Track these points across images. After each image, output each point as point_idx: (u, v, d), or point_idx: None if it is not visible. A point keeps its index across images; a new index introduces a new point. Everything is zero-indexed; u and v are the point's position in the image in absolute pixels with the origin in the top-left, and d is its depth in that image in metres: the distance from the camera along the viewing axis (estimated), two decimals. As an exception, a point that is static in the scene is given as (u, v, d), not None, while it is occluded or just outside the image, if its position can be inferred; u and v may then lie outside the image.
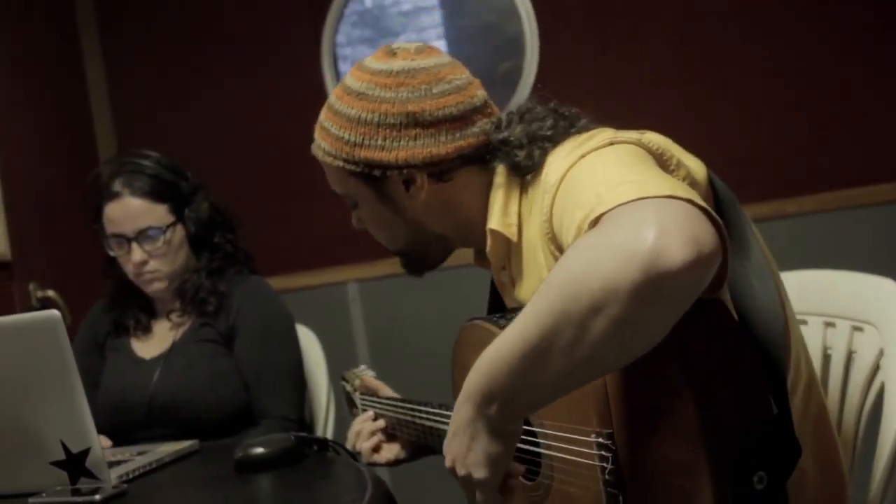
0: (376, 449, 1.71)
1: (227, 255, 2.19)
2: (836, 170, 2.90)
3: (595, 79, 3.01)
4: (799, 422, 1.11)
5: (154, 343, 2.15)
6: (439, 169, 1.39)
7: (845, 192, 2.85)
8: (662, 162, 1.21)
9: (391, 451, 1.72)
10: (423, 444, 1.67)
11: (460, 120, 1.39)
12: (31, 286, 2.75)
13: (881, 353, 1.42)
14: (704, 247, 0.93)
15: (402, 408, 1.65)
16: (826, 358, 1.55)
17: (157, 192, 2.10)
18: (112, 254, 2.12)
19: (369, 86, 1.39)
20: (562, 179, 1.21)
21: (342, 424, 2.23)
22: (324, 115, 1.46)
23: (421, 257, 1.54)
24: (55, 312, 1.47)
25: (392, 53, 1.42)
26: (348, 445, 1.74)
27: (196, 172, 2.22)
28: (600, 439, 1.12)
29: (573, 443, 1.19)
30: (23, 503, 1.47)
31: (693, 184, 1.21)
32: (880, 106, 2.88)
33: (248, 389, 2.07)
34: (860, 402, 1.46)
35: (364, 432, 1.72)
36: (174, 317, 2.15)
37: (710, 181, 1.25)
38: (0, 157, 2.68)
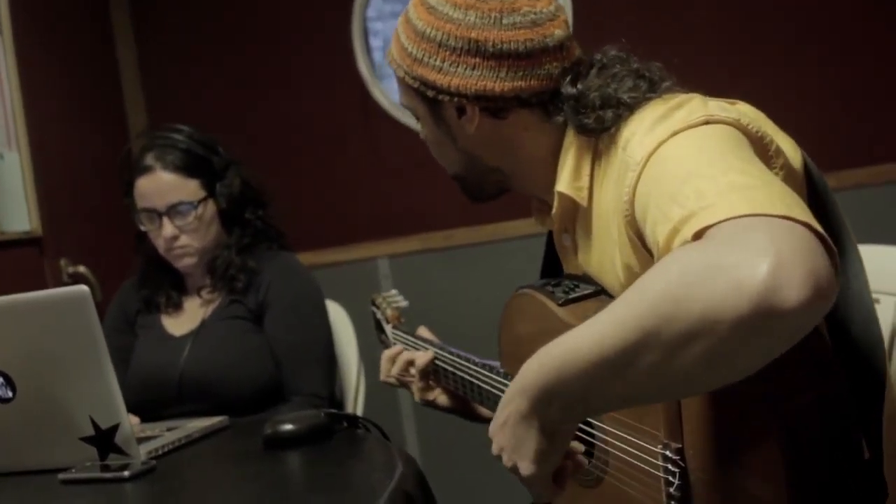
0: (427, 388, 1.67)
1: (258, 231, 2.18)
2: (877, 144, 2.85)
3: (630, 42, 2.96)
4: None
5: (184, 320, 2.15)
6: (493, 105, 1.31)
7: (885, 166, 2.81)
8: (762, 147, 1.11)
9: (431, 394, 1.67)
10: (457, 395, 1.64)
11: (526, 58, 1.28)
12: (62, 262, 2.75)
13: (927, 329, 1.38)
14: (823, 284, 0.83)
15: (441, 356, 1.61)
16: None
17: (188, 167, 2.09)
18: (143, 228, 2.12)
19: (441, 1, 1.31)
20: (648, 158, 1.10)
21: (372, 401, 2.22)
22: (400, 20, 1.38)
23: (476, 186, 1.46)
24: (84, 288, 1.46)
25: None
26: (382, 375, 1.70)
27: (226, 147, 2.20)
28: (668, 452, 1.08)
29: (635, 446, 1.15)
30: (53, 479, 1.47)
31: (790, 172, 1.13)
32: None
33: (279, 366, 2.05)
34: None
35: (400, 362, 1.66)
36: (204, 293, 2.14)
37: (805, 165, 1.17)
38: (30, 133, 2.66)
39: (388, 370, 1.69)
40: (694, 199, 0.96)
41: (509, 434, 1.07)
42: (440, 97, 1.32)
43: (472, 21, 1.28)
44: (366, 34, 3.25)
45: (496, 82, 1.28)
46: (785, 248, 0.84)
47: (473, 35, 1.28)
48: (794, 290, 0.82)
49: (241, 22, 3.37)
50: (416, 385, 1.66)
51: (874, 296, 1.48)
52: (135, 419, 1.94)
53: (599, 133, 1.24)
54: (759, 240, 0.86)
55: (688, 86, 1.26)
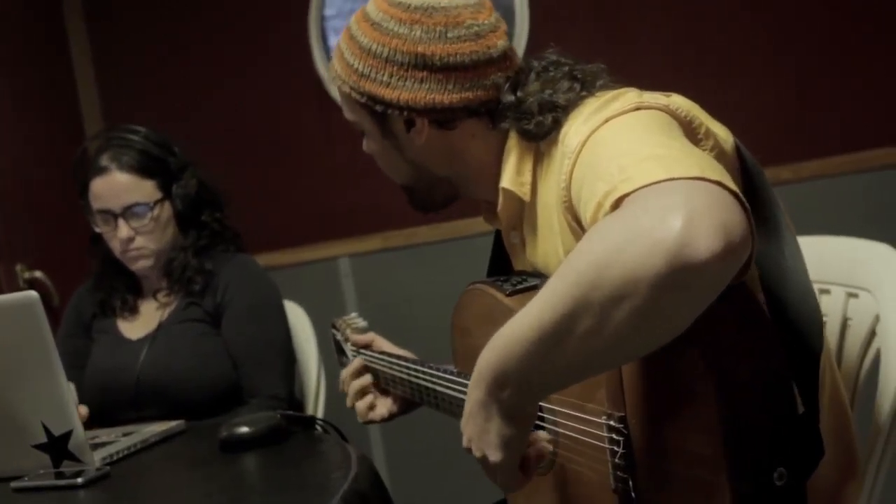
0: (371, 406, 1.71)
1: (215, 233, 2.17)
2: (831, 136, 2.88)
3: (588, 46, 2.96)
4: None
5: (141, 323, 2.13)
6: (442, 117, 1.34)
7: (840, 158, 2.85)
8: (691, 130, 1.16)
9: (384, 405, 1.71)
10: (407, 402, 1.68)
11: (472, 70, 1.32)
12: (18, 268, 2.72)
13: (876, 319, 1.39)
14: (734, 236, 0.87)
15: (397, 365, 1.63)
16: (821, 325, 1.52)
17: (144, 168, 2.07)
18: (98, 230, 2.10)
19: (385, 17, 1.34)
20: (583, 145, 1.14)
21: (333, 401, 2.21)
22: (343, 36, 1.41)
23: (424, 197, 1.49)
24: (33, 293, 1.45)
25: None
26: (348, 402, 1.74)
27: (183, 148, 2.18)
28: (611, 422, 1.09)
29: (581, 422, 1.16)
30: (5, 488, 1.46)
31: (721, 154, 1.17)
32: (872, 72, 2.87)
33: (237, 368, 2.04)
34: (856, 369, 1.44)
35: (352, 391, 1.71)
36: (161, 296, 2.12)
37: (738, 150, 1.20)
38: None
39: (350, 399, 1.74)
40: (616, 174, 1.00)
41: (473, 424, 1.09)
42: (389, 111, 1.35)
43: (418, 36, 1.32)
44: (323, 32, 3.23)
45: (444, 95, 1.32)
46: (696, 204, 0.89)
47: (420, 49, 1.31)
48: (706, 243, 0.86)
49: (197, 21, 3.34)
50: (359, 408, 1.71)
51: (825, 286, 1.50)
52: (84, 410, 1.90)
53: (542, 138, 1.28)
54: (671, 200, 0.90)
55: (641, 84, 1.27)
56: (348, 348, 1.81)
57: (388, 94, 1.33)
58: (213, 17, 3.33)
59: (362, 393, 1.72)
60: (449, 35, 1.31)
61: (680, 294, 0.89)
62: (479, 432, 1.09)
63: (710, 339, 0.97)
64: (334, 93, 3.17)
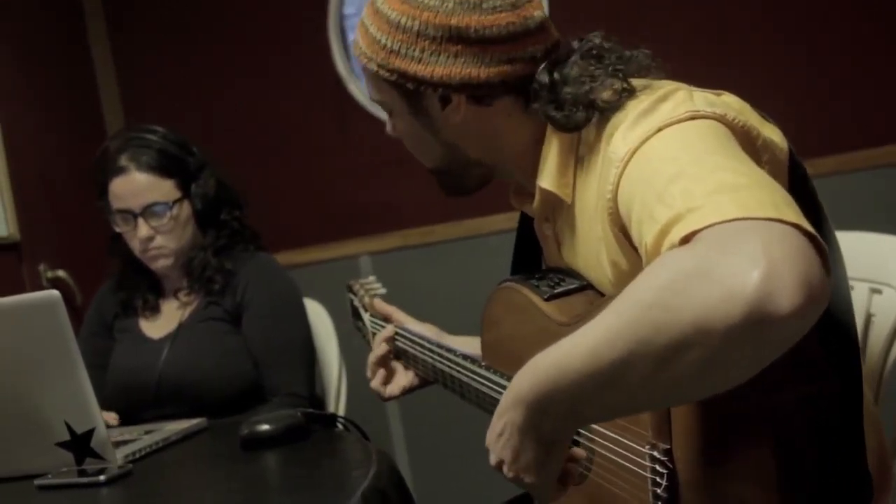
0: (386, 381, 1.67)
1: (234, 232, 2.17)
2: (852, 131, 2.86)
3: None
4: None
5: (162, 322, 2.14)
6: (479, 92, 1.26)
7: (862, 152, 2.82)
8: (748, 139, 1.09)
9: (406, 377, 1.67)
10: (424, 380, 1.65)
11: (509, 42, 1.24)
12: (41, 267, 2.74)
13: (900, 315, 1.38)
14: (815, 289, 0.81)
15: (421, 346, 1.60)
16: (844, 322, 1.50)
17: (163, 167, 2.08)
18: (118, 230, 2.11)
19: None
20: (632, 155, 1.07)
21: (354, 399, 2.22)
22: (366, 11, 1.32)
23: (456, 180, 1.40)
24: (55, 292, 1.45)
25: None
26: (368, 375, 1.71)
27: (204, 148, 2.19)
28: (655, 453, 1.06)
29: (622, 445, 1.14)
30: (29, 485, 1.47)
31: (776, 165, 1.12)
32: (889, 67, 2.84)
33: (257, 367, 2.05)
34: (879, 366, 1.42)
35: (370, 365, 1.68)
36: (182, 296, 2.13)
37: (790, 154, 1.15)
38: (6, 137, 2.65)
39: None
40: (681, 200, 0.94)
41: (506, 446, 1.05)
42: (422, 88, 1.27)
43: (451, 7, 1.23)
44: (342, 31, 3.24)
45: (481, 69, 1.24)
46: (776, 253, 0.82)
47: (454, 22, 1.23)
48: (786, 297, 0.80)
49: (217, 21, 3.36)
50: (374, 387, 1.68)
51: (848, 282, 1.48)
52: (112, 415, 1.93)
53: (569, 131, 1.22)
54: (749, 246, 0.84)
55: (668, 75, 1.24)
56: (367, 317, 1.79)
57: (421, 70, 1.25)
58: (232, 17, 3.34)
59: (377, 366, 1.68)
60: (484, 6, 1.23)
61: (753, 347, 0.84)
62: (513, 455, 1.05)
63: (765, 377, 0.91)
64: (354, 91, 3.18)
